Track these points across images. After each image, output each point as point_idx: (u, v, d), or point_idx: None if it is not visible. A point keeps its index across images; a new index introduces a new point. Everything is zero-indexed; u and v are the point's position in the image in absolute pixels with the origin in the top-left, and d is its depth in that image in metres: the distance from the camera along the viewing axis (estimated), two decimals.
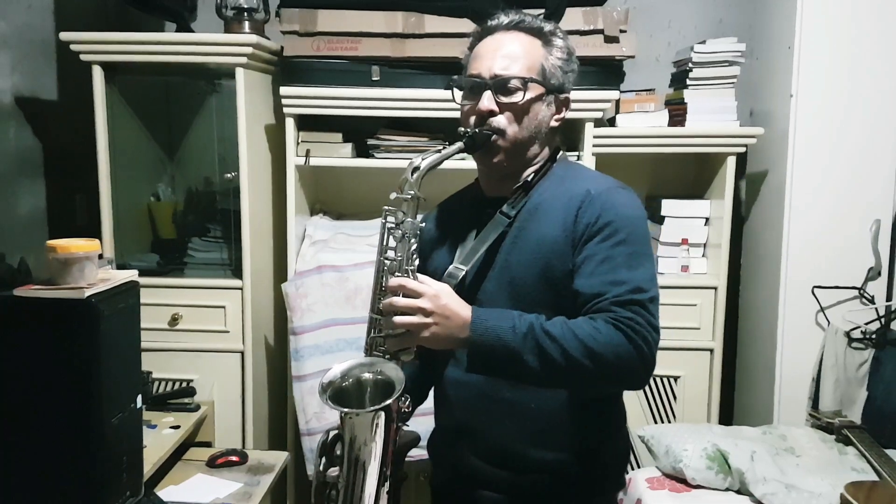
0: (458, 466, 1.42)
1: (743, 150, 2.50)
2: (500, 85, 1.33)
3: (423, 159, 1.28)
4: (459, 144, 1.32)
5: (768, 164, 2.58)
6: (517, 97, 1.33)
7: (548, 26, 1.39)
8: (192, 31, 2.48)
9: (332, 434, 1.28)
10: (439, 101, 2.34)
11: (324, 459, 1.28)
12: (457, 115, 2.40)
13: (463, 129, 1.35)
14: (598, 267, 1.26)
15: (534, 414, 1.34)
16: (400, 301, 1.21)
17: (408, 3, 2.34)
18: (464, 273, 1.34)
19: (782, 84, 2.46)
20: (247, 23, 2.42)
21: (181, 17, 2.48)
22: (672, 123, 2.52)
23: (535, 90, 1.34)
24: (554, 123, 1.40)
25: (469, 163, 1.44)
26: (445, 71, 2.35)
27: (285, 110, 2.39)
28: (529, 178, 1.39)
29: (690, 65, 2.46)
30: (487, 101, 1.33)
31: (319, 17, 2.34)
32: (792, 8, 2.39)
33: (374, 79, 2.37)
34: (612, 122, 2.56)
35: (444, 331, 1.21)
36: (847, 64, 2.37)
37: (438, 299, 1.21)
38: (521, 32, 1.37)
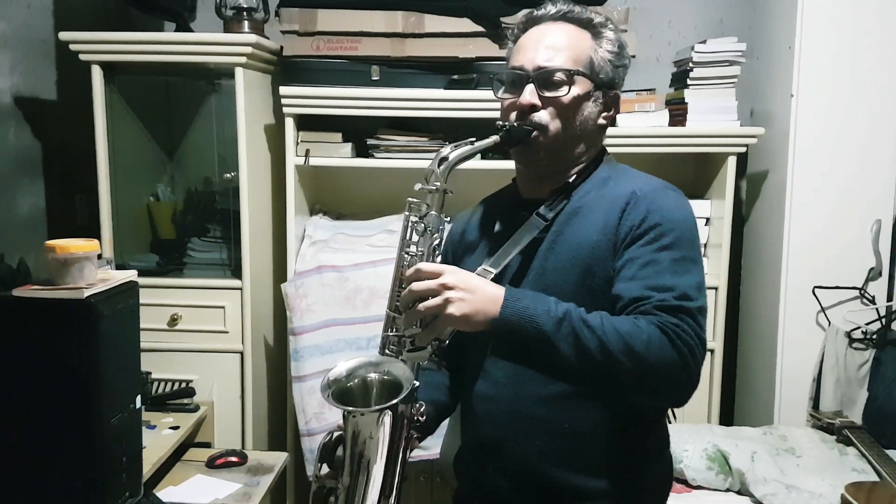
0: (483, 486, 1.32)
1: (743, 150, 2.49)
2: (544, 78, 1.25)
3: (452, 149, 1.21)
4: (495, 138, 1.24)
5: (769, 165, 2.58)
6: (562, 91, 1.24)
7: (598, 17, 1.30)
8: (191, 30, 2.48)
9: (334, 435, 1.21)
10: (439, 101, 2.35)
11: (323, 463, 1.21)
12: (457, 115, 2.39)
13: (500, 122, 1.26)
14: (640, 270, 1.16)
15: (566, 433, 1.24)
16: (419, 285, 1.11)
17: (408, 2, 2.34)
18: (493, 276, 1.25)
19: (783, 84, 2.46)
20: (246, 22, 2.41)
21: (180, 16, 2.48)
22: (672, 123, 2.52)
23: (581, 85, 1.26)
24: (601, 121, 1.32)
25: (505, 163, 1.37)
26: (445, 71, 2.35)
27: (285, 110, 2.39)
28: (571, 180, 1.30)
29: (691, 64, 2.46)
30: (529, 94, 1.25)
31: (319, 17, 2.34)
32: (792, 8, 2.39)
33: (373, 78, 2.37)
34: (612, 122, 2.56)
35: (471, 306, 1.10)
36: (847, 64, 2.37)
37: (458, 273, 1.13)
38: (568, 23, 1.29)
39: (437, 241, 1.21)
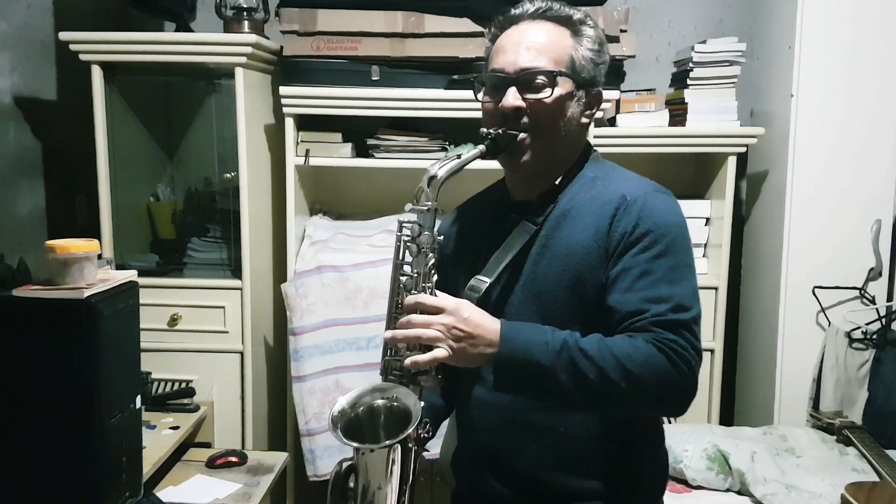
0: (481, 490, 1.32)
1: (743, 150, 2.50)
2: (526, 80, 1.23)
3: (440, 167, 1.17)
4: (481, 148, 1.21)
5: (769, 165, 2.58)
6: (545, 94, 1.22)
7: (577, 14, 1.28)
8: (191, 30, 2.48)
9: (345, 465, 1.20)
10: (439, 101, 2.35)
11: (336, 493, 1.20)
12: (457, 115, 2.39)
13: (485, 129, 1.24)
14: (635, 281, 1.16)
15: (563, 438, 1.25)
16: (418, 318, 1.12)
17: (408, 2, 2.34)
18: (487, 286, 1.25)
19: (782, 84, 2.46)
20: (246, 22, 2.41)
21: (180, 16, 2.48)
22: (672, 123, 2.52)
23: (564, 85, 1.24)
24: (584, 120, 1.30)
25: (493, 163, 1.32)
26: (445, 71, 2.35)
27: (285, 110, 2.39)
28: (558, 182, 1.29)
29: (691, 64, 2.46)
30: (512, 98, 1.22)
31: (319, 17, 2.34)
32: (792, 8, 2.39)
33: (373, 78, 2.37)
34: (612, 122, 2.56)
35: (471, 348, 1.11)
36: (847, 64, 2.37)
37: (461, 312, 1.12)
38: (547, 21, 1.26)
39: (432, 261, 1.19)
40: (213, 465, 2.10)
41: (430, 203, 1.18)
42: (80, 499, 1.52)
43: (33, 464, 1.52)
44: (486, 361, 1.14)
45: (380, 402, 1.19)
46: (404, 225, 1.21)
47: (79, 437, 1.51)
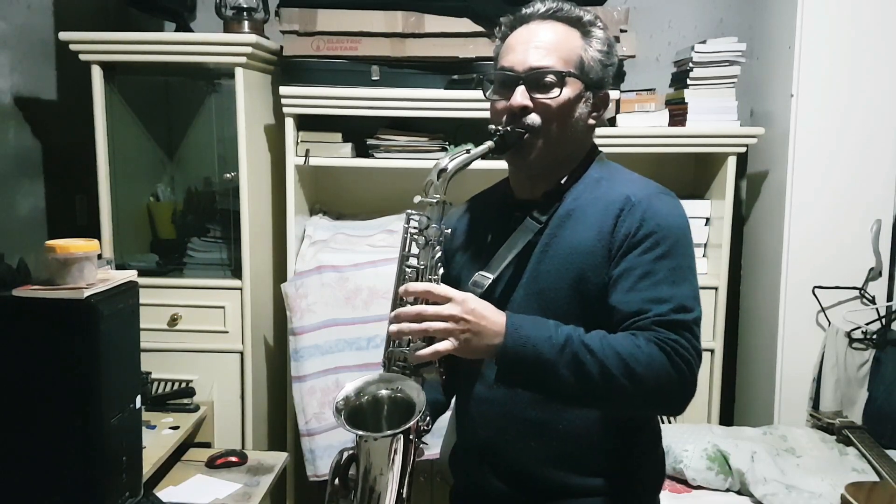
0: (479, 487, 1.33)
1: (743, 150, 2.49)
2: (535, 80, 1.23)
3: (450, 160, 1.18)
4: (489, 144, 1.22)
5: (769, 165, 2.58)
6: (553, 93, 1.23)
7: (587, 15, 1.29)
8: (191, 30, 2.48)
9: (346, 455, 1.21)
10: (439, 101, 2.35)
11: (337, 482, 1.21)
12: (457, 115, 2.39)
13: (493, 126, 1.24)
14: (638, 282, 1.17)
15: (561, 435, 1.25)
16: (429, 309, 1.12)
17: (408, 2, 2.34)
18: (490, 282, 1.26)
19: (782, 84, 2.46)
20: (246, 22, 2.41)
21: (180, 16, 2.48)
22: (672, 123, 2.52)
23: (572, 86, 1.25)
24: (591, 122, 1.30)
25: (499, 163, 1.34)
26: (445, 71, 2.35)
27: (285, 110, 2.39)
28: (563, 181, 1.30)
29: (691, 64, 2.46)
30: (520, 96, 1.23)
31: (319, 17, 2.34)
32: (792, 8, 2.39)
33: (373, 78, 2.37)
34: (612, 122, 2.56)
35: (476, 338, 1.11)
36: (847, 64, 2.37)
37: (467, 304, 1.12)
38: (557, 22, 1.27)
39: (439, 254, 1.20)
40: (213, 465, 2.10)
41: (438, 196, 1.18)
42: (80, 499, 1.53)
43: (33, 463, 1.52)
44: (489, 354, 1.13)
45: (384, 392, 1.19)
46: (412, 217, 1.21)
47: (79, 437, 1.51)
